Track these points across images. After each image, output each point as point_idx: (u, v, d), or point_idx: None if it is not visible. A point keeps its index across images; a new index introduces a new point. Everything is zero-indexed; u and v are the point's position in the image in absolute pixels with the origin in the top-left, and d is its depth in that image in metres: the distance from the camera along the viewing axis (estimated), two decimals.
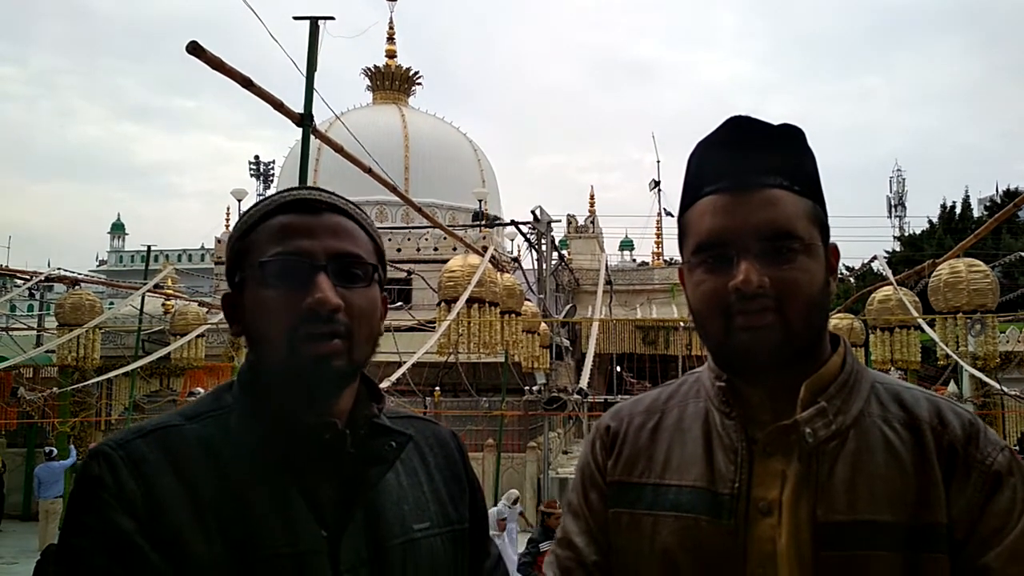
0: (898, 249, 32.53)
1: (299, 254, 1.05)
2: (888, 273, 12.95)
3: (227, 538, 0.98)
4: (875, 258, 15.44)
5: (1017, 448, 14.70)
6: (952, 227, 29.88)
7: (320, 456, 1.05)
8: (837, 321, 14.28)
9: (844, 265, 27.63)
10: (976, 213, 31.87)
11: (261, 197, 1.22)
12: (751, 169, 1.09)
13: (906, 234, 36.66)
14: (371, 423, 1.11)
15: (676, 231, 1.22)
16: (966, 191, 33.59)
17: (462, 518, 1.21)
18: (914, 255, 25.89)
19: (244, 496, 1.01)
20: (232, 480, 1.01)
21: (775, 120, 1.14)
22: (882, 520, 1.03)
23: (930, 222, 32.82)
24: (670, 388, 1.28)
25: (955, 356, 10.61)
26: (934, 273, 11.22)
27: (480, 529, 1.25)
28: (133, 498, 0.96)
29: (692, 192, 1.14)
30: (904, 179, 50.41)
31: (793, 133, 1.13)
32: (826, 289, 1.10)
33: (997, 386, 11.02)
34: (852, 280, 22.99)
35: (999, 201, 30.18)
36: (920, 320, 12.00)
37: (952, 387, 15.95)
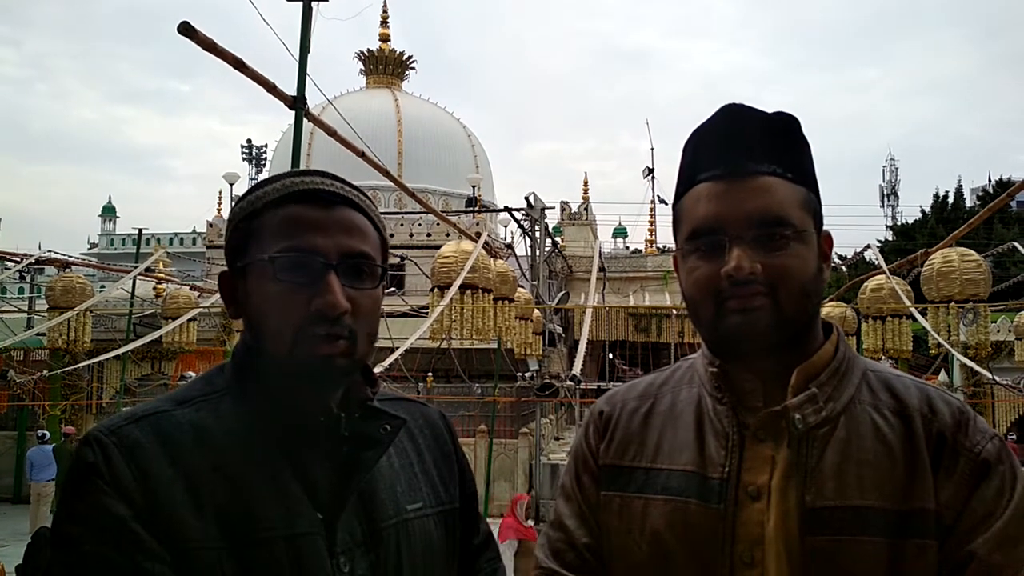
0: (891, 238, 32.63)
1: (311, 251, 1.03)
2: (881, 262, 12.97)
3: (223, 522, 0.97)
4: (868, 247, 15.45)
5: (1015, 436, 14.81)
6: (944, 217, 29.97)
7: (315, 439, 1.05)
8: (829, 309, 14.33)
9: (837, 254, 27.68)
10: (968, 203, 31.99)
11: (253, 180, 1.18)
12: (745, 156, 1.10)
13: (899, 224, 36.80)
14: (365, 406, 1.11)
15: (671, 218, 1.22)
16: (959, 181, 33.73)
17: (452, 498, 1.22)
18: (906, 244, 25.99)
19: (239, 480, 1.00)
20: (227, 464, 1.01)
21: (771, 110, 1.14)
22: (870, 506, 1.04)
23: (923, 212, 32.93)
24: (664, 374, 1.30)
25: (946, 345, 10.65)
26: (927, 262, 11.25)
27: (470, 507, 1.27)
28: (128, 484, 0.96)
29: (686, 179, 1.15)
30: (897, 168, 50.70)
31: (787, 121, 1.14)
32: (819, 276, 1.11)
33: (988, 375, 11.08)
34: (845, 269, 23.06)
35: (992, 191, 30.29)
36: (912, 309, 12.04)
37: (943, 376, 16.04)
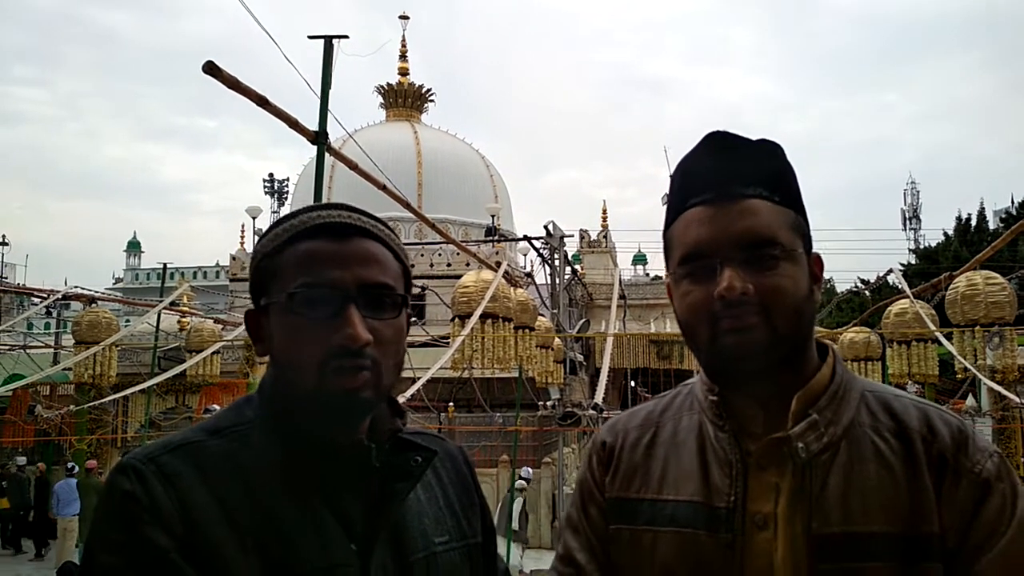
0: (914, 262, 32.31)
1: (329, 285, 1.04)
2: (904, 286, 12.85)
3: (261, 553, 0.97)
4: (891, 271, 15.30)
5: None
6: (967, 239, 29.66)
7: (346, 471, 1.06)
8: (853, 335, 14.18)
9: (859, 278, 27.50)
10: (992, 225, 31.63)
11: (275, 214, 1.19)
12: (731, 181, 1.12)
13: (921, 247, 36.47)
14: (396, 438, 1.12)
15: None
16: (981, 203, 33.28)
17: (475, 532, 1.23)
18: (930, 268, 25.70)
19: (275, 512, 1.00)
20: (262, 495, 1.01)
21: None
22: (876, 531, 1.05)
23: (945, 235, 32.60)
24: (664, 400, 1.31)
25: (973, 369, 10.49)
26: (951, 286, 11.12)
27: (489, 543, 1.27)
28: (169, 513, 0.95)
29: (676, 206, 1.17)
30: (918, 192, 50.42)
31: (771, 147, 1.16)
32: (810, 296, 1.13)
33: (1016, 399, 10.89)
34: (868, 293, 22.84)
35: (1015, 213, 29.95)
36: (937, 333, 11.90)
37: (971, 400, 15.79)
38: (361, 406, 1.05)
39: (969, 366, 10.51)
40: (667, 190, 1.23)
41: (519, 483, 13.76)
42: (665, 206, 1.24)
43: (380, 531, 1.06)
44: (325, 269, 1.05)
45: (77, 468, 14.17)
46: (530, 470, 14.38)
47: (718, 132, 1.17)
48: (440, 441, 1.29)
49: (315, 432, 1.05)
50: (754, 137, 1.17)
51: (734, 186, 1.12)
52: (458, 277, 12.36)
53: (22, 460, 16.50)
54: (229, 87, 5.06)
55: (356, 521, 1.05)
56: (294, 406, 1.06)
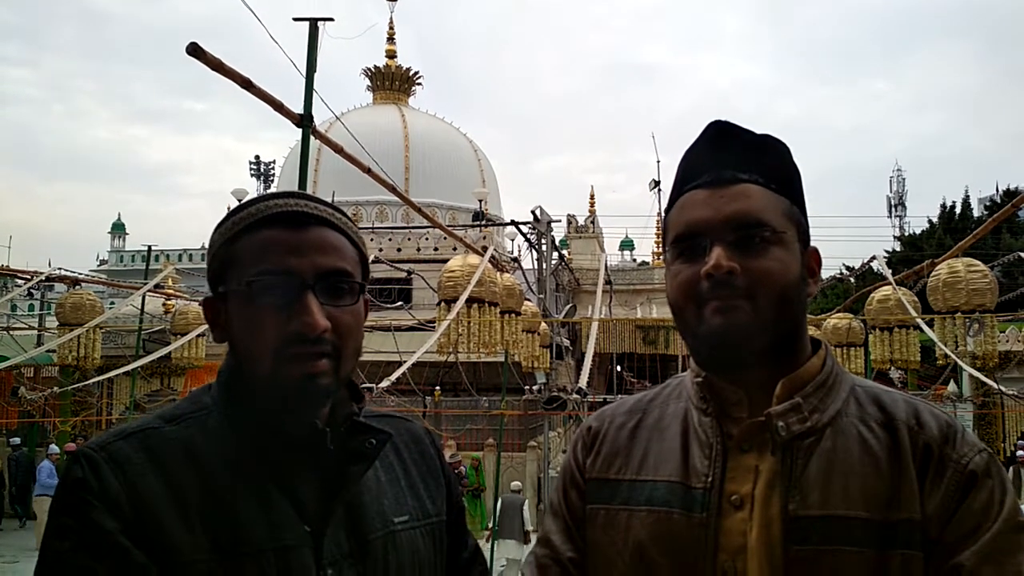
0: (898, 249, 32.51)
1: (286, 273, 1.05)
2: (887, 273, 12.95)
3: (212, 535, 1.00)
4: (874, 258, 15.41)
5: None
6: (952, 227, 29.84)
7: (301, 455, 1.07)
8: (836, 321, 14.29)
9: (844, 265, 27.67)
10: (976, 213, 31.84)
11: (244, 200, 1.19)
12: (728, 166, 1.12)
13: (906, 234, 36.66)
14: (352, 421, 1.13)
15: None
16: (966, 191, 33.53)
17: (439, 511, 1.24)
18: (914, 255, 25.88)
19: (226, 495, 1.02)
20: (214, 479, 1.03)
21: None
22: (854, 515, 1.04)
23: (930, 222, 32.78)
24: (655, 391, 1.31)
25: (954, 356, 10.60)
26: (933, 273, 11.20)
27: (457, 521, 1.29)
28: (117, 498, 0.98)
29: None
30: (904, 179, 50.60)
31: (773, 141, 1.17)
32: (801, 285, 1.12)
33: (996, 386, 11.03)
34: (852, 280, 23.00)
35: (999, 201, 30.16)
36: (919, 320, 12.00)
37: (952, 387, 15.96)
38: (319, 391, 1.06)
39: (950, 352, 10.61)
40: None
41: (515, 484, 13.74)
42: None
43: (333, 513, 1.07)
44: (282, 257, 1.06)
45: (56, 451, 14.16)
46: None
47: (719, 121, 1.17)
48: (405, 423, 1.30)
49: (272, 417, 1.07)
50: (750, 123, 1.17)
51: (730, 171, 1.12)
52: (445, 261, 12.34)
53: (16, 440, 16.44)
54: (213, 69, 5.02)
55: (310, 504, 1.06)
56: (253, 393, 1.08)
